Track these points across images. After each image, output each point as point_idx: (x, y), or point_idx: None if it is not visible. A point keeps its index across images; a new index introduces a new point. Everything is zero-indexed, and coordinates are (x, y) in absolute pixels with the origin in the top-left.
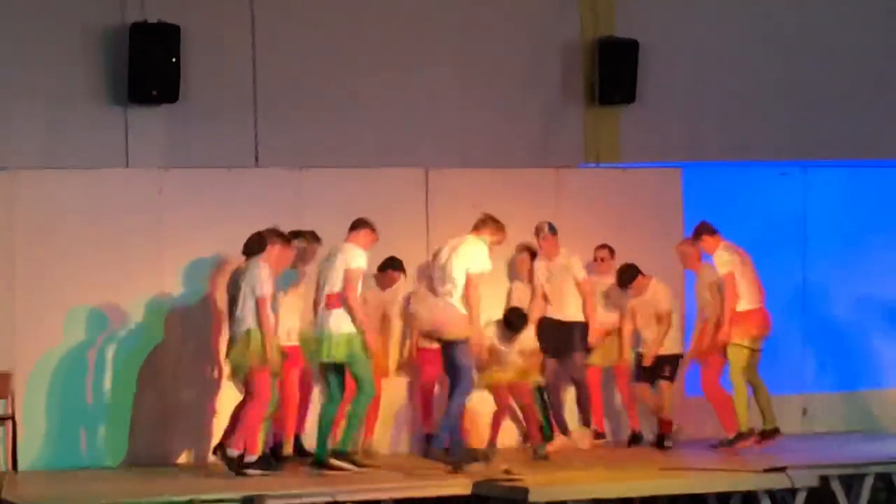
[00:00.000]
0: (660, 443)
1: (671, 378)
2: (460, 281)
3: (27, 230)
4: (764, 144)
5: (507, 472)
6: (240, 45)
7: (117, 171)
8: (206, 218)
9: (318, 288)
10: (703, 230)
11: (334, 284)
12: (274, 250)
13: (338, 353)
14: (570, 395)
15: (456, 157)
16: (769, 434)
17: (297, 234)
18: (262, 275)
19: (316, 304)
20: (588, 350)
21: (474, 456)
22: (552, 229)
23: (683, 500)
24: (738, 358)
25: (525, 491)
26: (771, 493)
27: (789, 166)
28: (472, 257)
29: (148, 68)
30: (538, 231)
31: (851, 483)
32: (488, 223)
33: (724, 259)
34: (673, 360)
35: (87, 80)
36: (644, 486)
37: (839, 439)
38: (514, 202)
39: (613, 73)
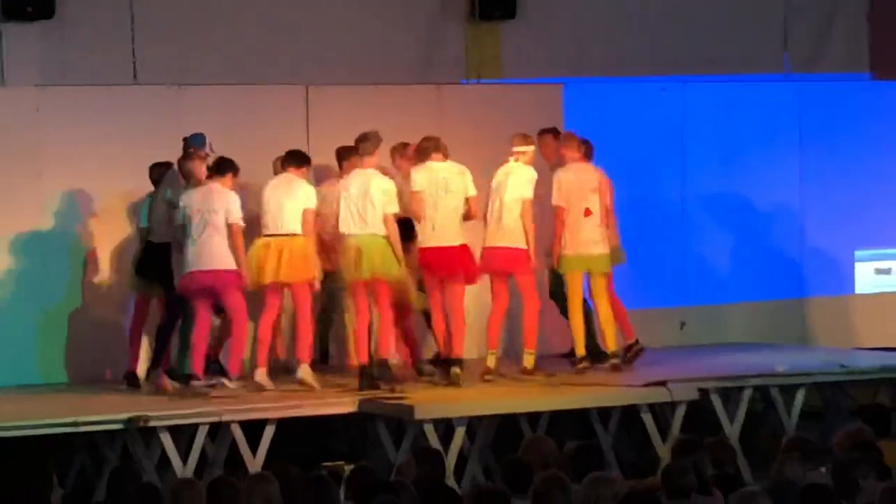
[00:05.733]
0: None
1: None
2: None
3: None
4: (644, 60)
5: (392, 389)
6: None
7: None
8: (86, 136)
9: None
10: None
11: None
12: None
13: None
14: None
15: (336, 74)
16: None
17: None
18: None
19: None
20: None
21: None
22: None
23: (565, 415)
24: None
25: (410, 409)
26: (651, 407)
27: (669, 81)
28: None
29: None
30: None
31: (729, 396)
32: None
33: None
34: None
35: None
36: (525, 403)
37: (717, 352)
38: (395, 119)
39: None
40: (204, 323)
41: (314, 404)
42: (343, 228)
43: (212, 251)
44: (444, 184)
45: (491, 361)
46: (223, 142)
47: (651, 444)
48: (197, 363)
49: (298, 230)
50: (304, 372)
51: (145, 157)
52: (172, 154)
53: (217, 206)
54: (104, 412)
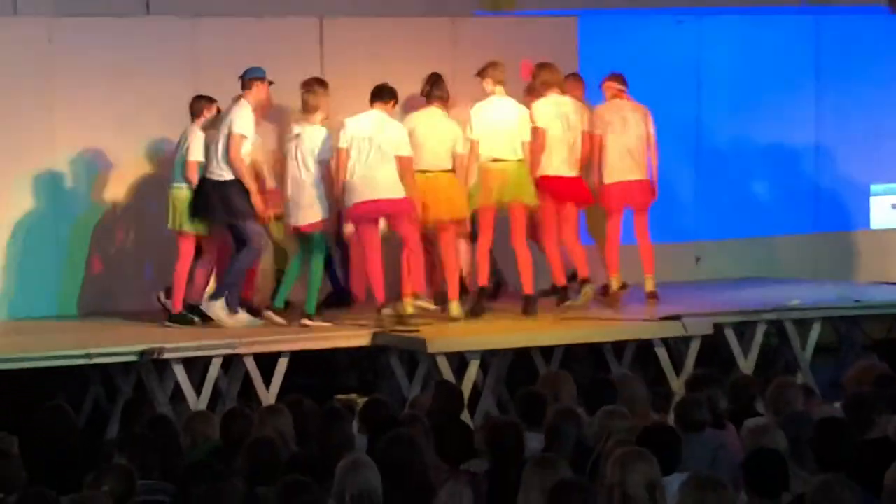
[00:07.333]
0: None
1: None
2: None
3: None
4: None
5: (404, 322)
6: None
7: (5, 20)
8: (98, 68)
9: None
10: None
11: None
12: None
13: None
14: None
15: (350, 5)
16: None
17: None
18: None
19: None
20: None
21: None
22: None
23: (580, 349)
24: None
25: (423, 342)
26: (666, 342)
27: (685, 14)
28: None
29: None
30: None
31: (744, 330)
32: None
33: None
34: None
35: None
36: (541, 337)
37: (732, 287)
38: (409, 51)
39: None
40: (377, 252)
41: (328, 337)
42: (488, 153)
43: (381, 180)
44: (564, 119)
45: (616, 284)
46: (236, 74)
47: (665, 378)
48: (378, 291)
49: (449, 165)
50: (455, 308)
51: (157, 89)
52: (185, 85)
53: (390, 134)
54: (118, 344)
